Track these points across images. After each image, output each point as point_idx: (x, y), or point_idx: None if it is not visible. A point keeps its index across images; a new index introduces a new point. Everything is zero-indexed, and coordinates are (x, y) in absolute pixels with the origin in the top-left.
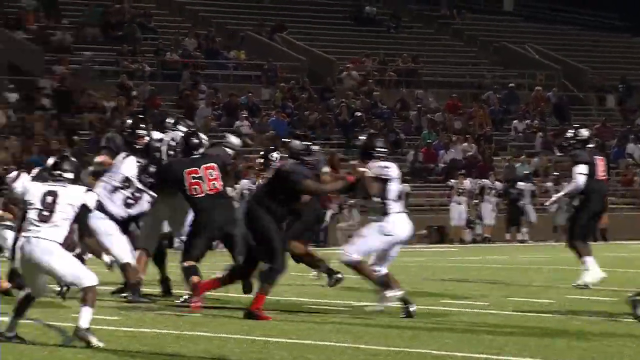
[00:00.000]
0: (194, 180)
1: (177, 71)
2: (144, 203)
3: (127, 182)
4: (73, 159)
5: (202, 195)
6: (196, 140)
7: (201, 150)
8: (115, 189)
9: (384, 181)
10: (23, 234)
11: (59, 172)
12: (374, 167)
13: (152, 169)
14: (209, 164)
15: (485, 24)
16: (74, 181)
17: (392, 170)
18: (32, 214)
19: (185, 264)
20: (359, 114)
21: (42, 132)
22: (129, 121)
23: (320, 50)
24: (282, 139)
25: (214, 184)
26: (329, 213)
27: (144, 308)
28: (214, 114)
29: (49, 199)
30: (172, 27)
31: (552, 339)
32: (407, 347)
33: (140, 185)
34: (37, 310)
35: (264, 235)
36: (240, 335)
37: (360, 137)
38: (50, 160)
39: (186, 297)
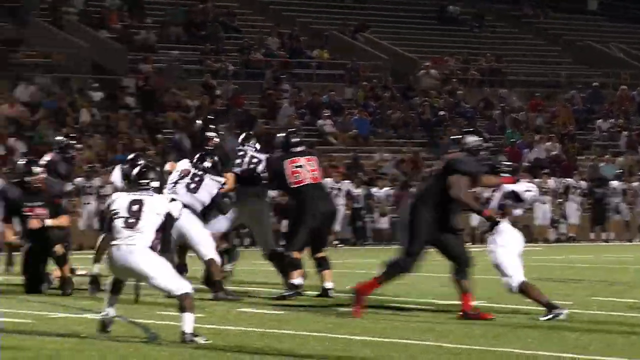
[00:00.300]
0: (295, 169)
1: (261, 70)
2: (209, 187)
3: (182, 173)
4: (157, 168)
5: (304, 183)
6: (297, 139)
7: (299, 148)
8: (175, 184)
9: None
10: (112, 242)
11: (145, 181)
12: (522, 182)
13: (208, 158)
14: (309, 156)
15: (569, 23)
16: (159, 190)
17: (531, 194)
18: (118, 222)
19: (292, 255)
20: (442, 113)
21: (126, 130)
22: (199, 122)
23: (403, 49)
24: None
25: (314, 174)
26: None
27: (229, 305)
28: (297, 112)
29: (135, 207)
30: (256, 26)
31: (637, 338)
32: (490, 346)
33: (194, 171)
34: (122, 307)
35: (412, 233)
36: (324, 333)
37: (498, 159)
38: (136, 170)
39: (285, 293)
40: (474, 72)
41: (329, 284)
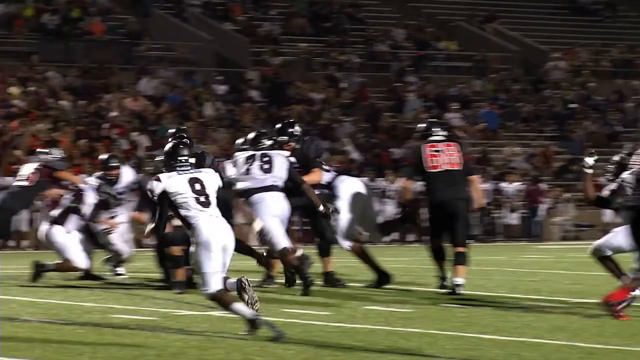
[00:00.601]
0: (433, 152)
1: (387, 62)
2: (280, 162)
3: (250, 158)
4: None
5: (439, 169)
6: (438, 127)
7: (440, 135)
8: (247, 171)
9: None
10: (195, 220)
11: (184, 157)
12: None
13: (265, 137)
14: (449, 142)
15: None
16: (196, 165)
17: None
18: (190, 202)
19: (432, 245)
20: (573, 105)
21: (250, 124)
22: (278, 126)
23: (533, 40)
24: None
25: (452, 159)
26: (543, 207)
27: (356, 303)
28: (424, 105)
29: (197, 185)
30: (381, 17)
31: None
32: (626, 345)
33: (259, 152)
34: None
35: None
36: (452, 332)
37: None
38: (170, 146)
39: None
40: (606, 64)
41: (459, 280)
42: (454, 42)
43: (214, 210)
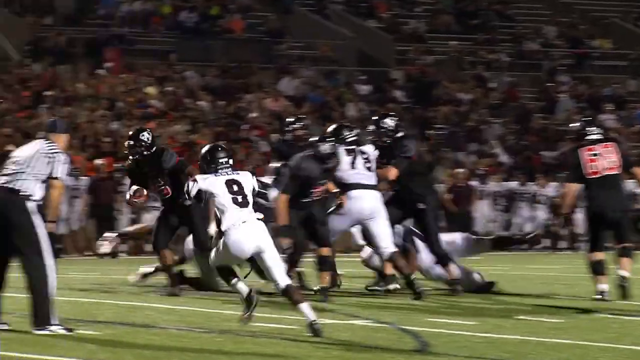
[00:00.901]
0: (591, 157)
1: (537, 61)
2: (374, 164)
3: (351, 152)
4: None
5: (599, 175)
6: (593, 127)
7: (596, 136)
8: (352, 165)
9: None
10: (227, 226)
11: (223, 159)
12: None
13: (347, 131)
14: (606, 143)
15: None
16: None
17: None
18: (227, 202)
19: (591, 258)
20: None
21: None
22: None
23: None
24: None
25: (611, 162)
26: None
27: (504, 313)
28: (577, 106)
29: (234, 187)
30: (531, 14)
31: None
32: None
33: (357, 147)
34: (390, 314)
35: None
36: (605, 344)
37: None
38: (207, 149)
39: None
40: None
41: (624, 272)
42: (609, 40)
43: (249, 213)
